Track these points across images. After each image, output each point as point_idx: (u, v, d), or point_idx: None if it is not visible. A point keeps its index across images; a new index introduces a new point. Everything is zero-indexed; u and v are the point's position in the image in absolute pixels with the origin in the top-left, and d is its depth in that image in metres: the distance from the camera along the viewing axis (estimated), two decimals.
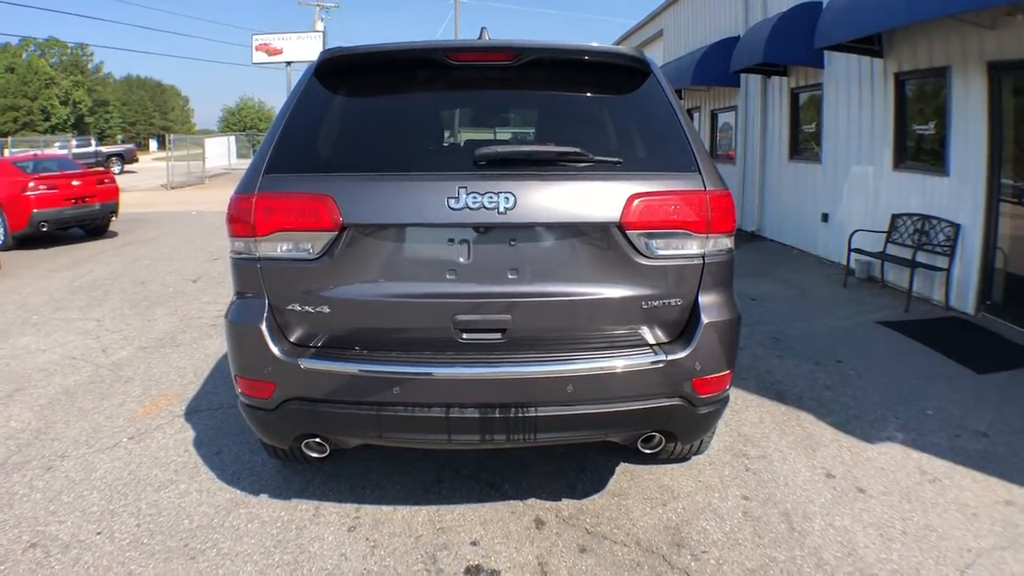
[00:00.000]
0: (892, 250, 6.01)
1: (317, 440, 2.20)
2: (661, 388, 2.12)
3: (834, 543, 2.38)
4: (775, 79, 9.11)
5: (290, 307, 2.09)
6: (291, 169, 2.10)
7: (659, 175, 2.12)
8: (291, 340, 2.12)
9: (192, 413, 3.46)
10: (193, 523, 2.46)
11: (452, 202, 1.99)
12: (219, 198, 15.55)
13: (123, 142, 38.73)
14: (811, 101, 8.28)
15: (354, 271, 2.06)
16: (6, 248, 8.68)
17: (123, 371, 4.13)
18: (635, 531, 2.46)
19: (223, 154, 26.26)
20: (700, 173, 2.14)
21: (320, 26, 25.63)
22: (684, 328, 2.17)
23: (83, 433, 3.21)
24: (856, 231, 6.38)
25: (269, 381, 2.09)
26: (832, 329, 4.95)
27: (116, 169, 24.30)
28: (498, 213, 1.99)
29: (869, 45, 6.30)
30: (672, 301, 2.13)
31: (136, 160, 28.31)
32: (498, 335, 2.09)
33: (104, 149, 27.20)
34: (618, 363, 2.07)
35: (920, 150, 6.08)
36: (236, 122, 55.07)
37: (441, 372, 2.04)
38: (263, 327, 2.07)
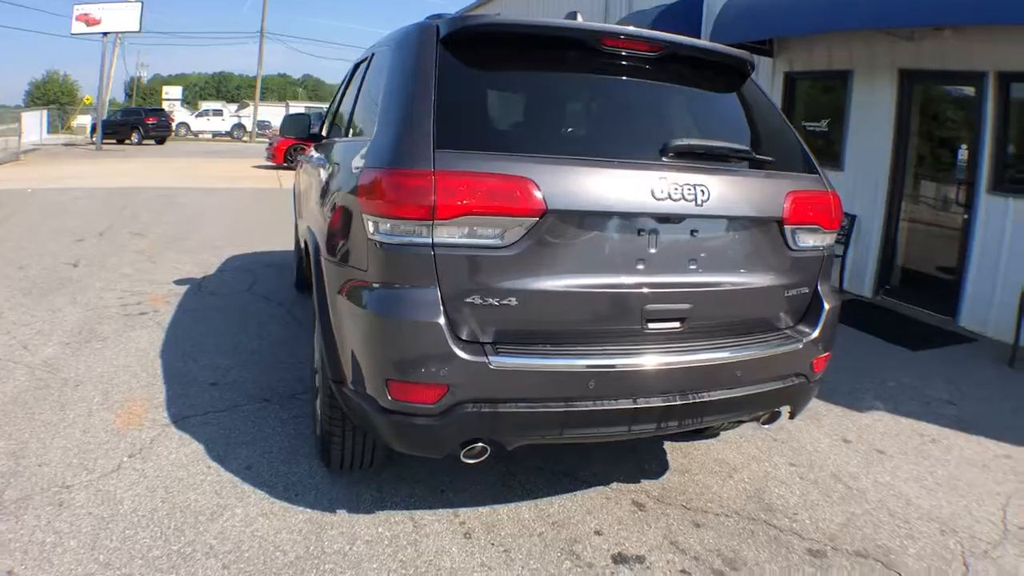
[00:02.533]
0: None
1: (482, 445, 1.97)
2: (795, 367, 2.28)
3: (890, 496, 2.70)
4: None
5: (469, 300, 1.86)
6: (470, 146, 1.87)
7: (798, 175, 2.32)
8: (464, 337, 1.88)
9: (181, 420, 2.93)
10: (288, 555, 2.08)
11: (656, 191, 1.95)
12: (45, 175, 13.43)
13: None
14: None
15: (547, 260, 1.90)
16: None
17: (62, 372, 3.39)
18: (726, 502, 2.58)
19: (35, 128, 24.73)
20: (821, 175, 2.39)
21: None
22: (806, 312, 2.36)
23: (69, 454, 2.57)
24: None
25: (441, 384, 1.84)
26: None
27: None
28: (695, 205, 2.01)
29: (760, 44, 6.97)
30: (804, 289, 2.33)
31: None
32: (678, 324, 2.09)
33: None
34: (775, 347, 2.18)
35: (811, 146, 6.90)
36: (41, 96, 50.08)
37: (631, 363, 1.98)
38: (441, 322, 1.82)
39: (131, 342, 3.92)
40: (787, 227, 2.21)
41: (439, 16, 2.33)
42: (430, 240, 1.82)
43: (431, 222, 1.80)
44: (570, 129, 2.21)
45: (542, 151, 1.95)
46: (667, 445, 3.03)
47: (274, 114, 37.57)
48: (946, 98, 5.85)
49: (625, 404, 1.98)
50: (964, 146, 5.44)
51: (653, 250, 2.02)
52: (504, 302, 1.88)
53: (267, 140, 21.94)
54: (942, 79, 5.61)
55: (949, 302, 5.39)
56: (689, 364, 2.04)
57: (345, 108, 3.43)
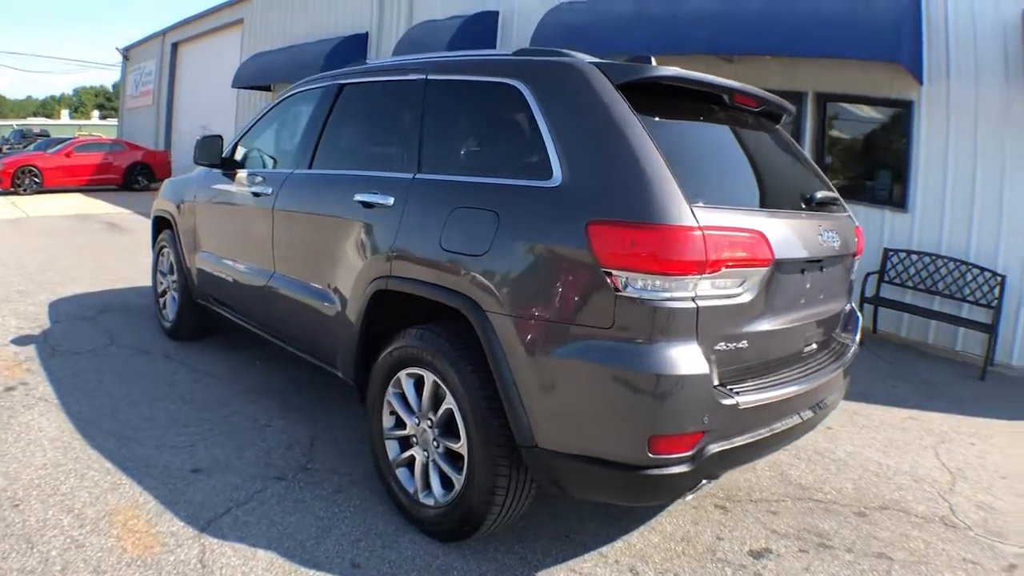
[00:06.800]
0: None
1: (706, 480, 2.01)
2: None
3: (864, 461, 3.38)
4: None
5: (717, 347, 1.93)
6: (701, 199, 1.91)
7: (848, 213, 2.76)
8: (715, 383, 1.93)
9: (209, 526, 2.31)
10: None
11: (819, 238, 2.28)
12: None
13: None
14: None
15: (764, 304, 2.07)
16: None
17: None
18: (772, 490, 2.98)
19: None
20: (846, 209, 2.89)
21: None
22: (847, 324, 2.84)
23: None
24: None
25: (699, 432, 1.87)
26: None
27: None
28: (836, 247, 2.39)
29: None
30: (848, 306, 2.83)
31: None
32: (815, 346, 2.43)
33: None
34: (849, 356, 2.65)
35: None
36: None
37: (809, 385, 2.25)
38: (707, 372, 1.87)
39: (31, 431, 2.93)
40: (855, 257, 2.71)
41: (565, 55, 2.28)
42: (693, 294, 1.84)
43: (697, 277, 1.83)
44: (746, 181, 2.39)
45: (745, 203, 2.15)
46: None
47: None
48: None
49: (796, 420, 2.25)
50: None
51: (808, 286, 2.31)
52: (739, 345, 2.00)
53: None
54: None
55: None
56: (828, 379, 2.39)
57: (333, 139, 3.07)
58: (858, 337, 2.82)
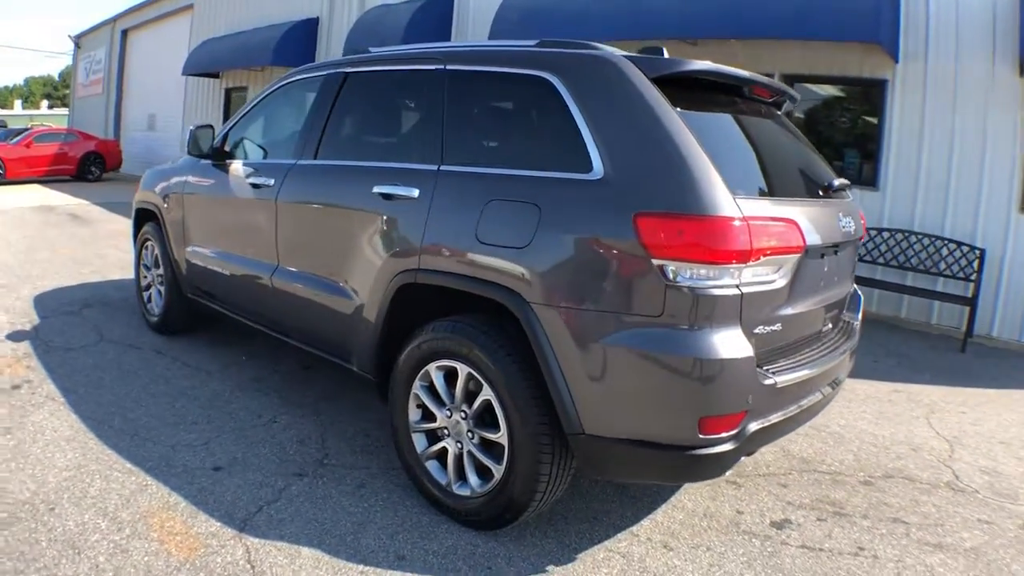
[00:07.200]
0: None
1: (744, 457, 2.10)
2: None
3: (860, 433, 3.53)
4: None
5: (756, 331, 2.01)
6: (746, 191, 2.02)
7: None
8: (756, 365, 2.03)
9: (247, 524, 2.28)
10: None
11: (839, 224, 2.38)
12: None
13: None
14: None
15: (794, 288, 2.15)
16: None
17: (2, 497, 2.28)
18: (778, 465, 3.10)
19: None
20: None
21: None
22: (852, 303, 2.95)
23: None
24: None
25: (743, 411, 1.96)
26: None
27: None
28: (851, 231, 2.49)
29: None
30: (853, 287, 2.97)
31: None
32: (831, 326, 2.54)
33: None
34: (857, 333, 2.78)
35: None
36: None
37: (828, 362, 2.35)
38: (752, 354, 1.96)
39: (46, 431, 2.86)
40: (860, 241, 2.82)
41: (592, 47, 2.29)
42: (738, 281, 1.92)
43: (741, 266, 1.90)
44: (771, 170, 2.42)
45: (775, 192, 2.23)
46: None
47: None
48: None
49: (818, 396, 2.36)
50: None
51: (826, 269, 2.41)
52: (773, 328, 2.10)
53: None
54: None
55: None
56: (844, 357, 2.51)
57: (340, 129, 3.02)
58: (860, 315, 2.93)
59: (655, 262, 1.89)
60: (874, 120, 6.42)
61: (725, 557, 2.32)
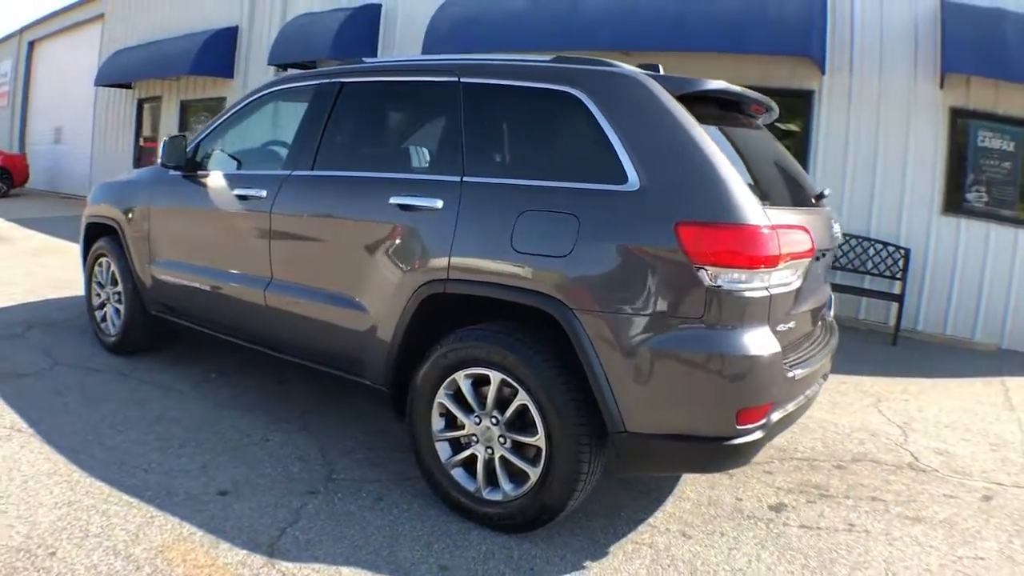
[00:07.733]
0: None
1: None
2: None
3: (822, 423, 3.82)
4: None
5: (777, 328, 2.19)
6: (768, 200, 2.22)
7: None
8: None
9: (274, 550, 2.21)
10: None
11: (831, 230, 2.61)
12: None
13: None
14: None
15: (802, 288, 2.35)
16: None
17: None
18: (759, 454, 3.34)
19: None
20: None
21: None
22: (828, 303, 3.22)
23: None
24: None
25: (770, 402, 2.14)
26: None
27: None
28: (837, 237, 2.76)
29: None
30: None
31: None
32: (819, 323, 2.77)
33: None
34: (836, 331, 3.04)
35: None
36: None
37: (822, 358, 2.58)
38: (780, 349, 2.14)
39: (21, 466, 2.64)
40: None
41: (612, 64, 2.41)
42: (767, 284, 2.10)
43: (771, 269, 2.08)
44: (777, 180, 2.64)
45: (786, 202, 2.45)
46: None
47: None
48: None
49: (816, 388, 2.62)
50: None
51: (819, 271, 2.64)
52: (789, 326, 2.30)
53: None
54: None
55: None
56: (829, 351, 2.75)
57: (342, 140, 3.01)
58: (832, 313, 3.21)
59: (696, 268, 2.02)
60: (802, 130, 6.93)
61: (740, 540, 2.49)
